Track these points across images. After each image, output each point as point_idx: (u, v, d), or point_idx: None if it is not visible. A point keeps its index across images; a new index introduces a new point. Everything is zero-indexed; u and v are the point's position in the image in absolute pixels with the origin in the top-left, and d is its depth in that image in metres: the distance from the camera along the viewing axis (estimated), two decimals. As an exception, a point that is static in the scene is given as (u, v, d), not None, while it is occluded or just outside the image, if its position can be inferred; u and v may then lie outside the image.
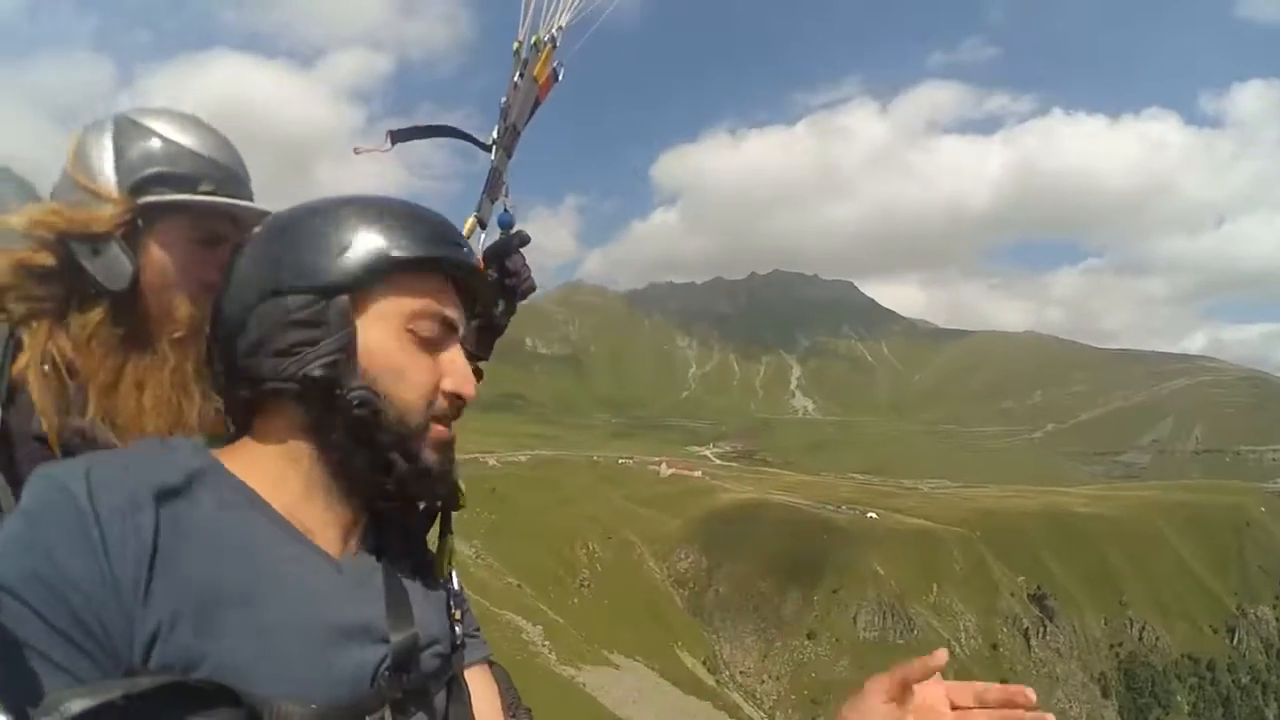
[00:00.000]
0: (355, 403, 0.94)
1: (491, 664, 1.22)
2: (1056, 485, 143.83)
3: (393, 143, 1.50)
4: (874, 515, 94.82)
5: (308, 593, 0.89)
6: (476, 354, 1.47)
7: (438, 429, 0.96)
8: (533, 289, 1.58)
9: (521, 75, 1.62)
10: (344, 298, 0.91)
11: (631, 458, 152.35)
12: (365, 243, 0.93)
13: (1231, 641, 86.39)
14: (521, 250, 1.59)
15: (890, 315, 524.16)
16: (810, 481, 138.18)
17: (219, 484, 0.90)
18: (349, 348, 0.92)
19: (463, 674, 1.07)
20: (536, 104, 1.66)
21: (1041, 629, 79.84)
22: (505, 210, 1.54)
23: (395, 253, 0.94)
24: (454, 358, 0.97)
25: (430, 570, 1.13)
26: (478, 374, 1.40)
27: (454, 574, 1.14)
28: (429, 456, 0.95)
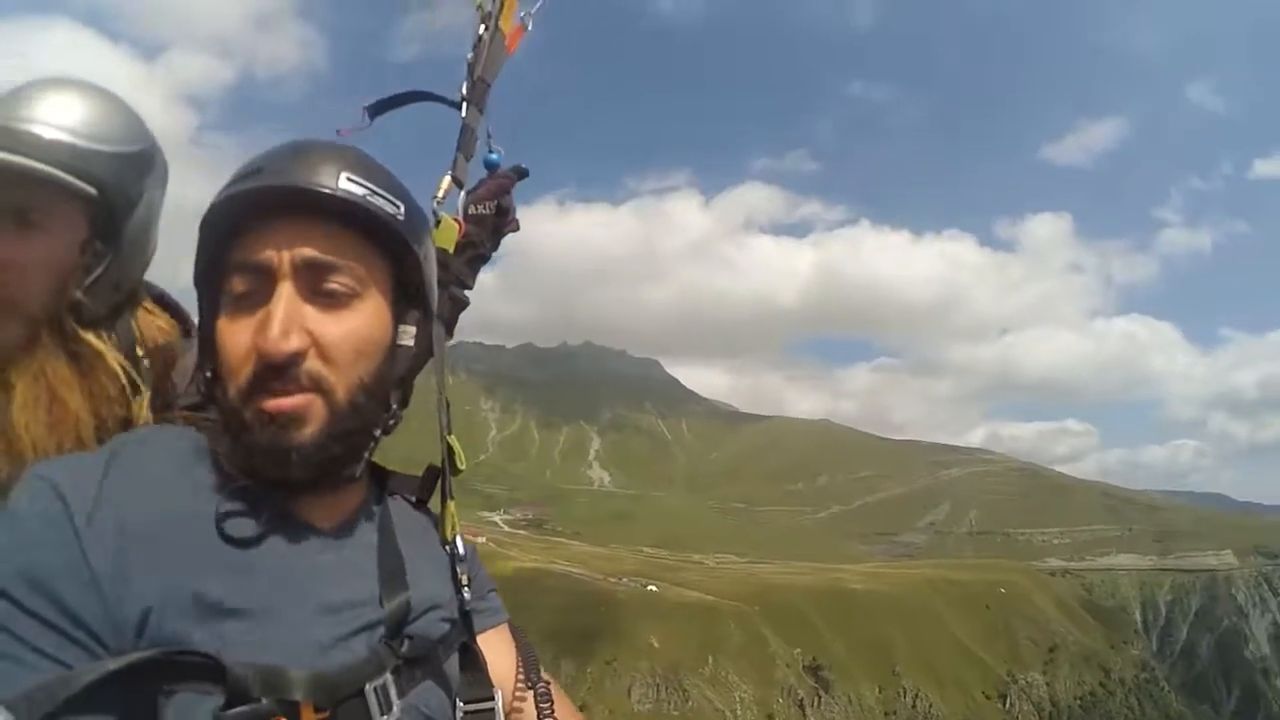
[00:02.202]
0: (196, 390, 0.94)
1: (514, 628, 1.19)
2: (837, 563, 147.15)
3: (371, 118, 1.48)
4: (654, 588, 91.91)
5: (295, 568, 0.88)
6: (463, 283, 1.48)
7: (260, 399, 0.86)
8: (518, 228, 1.62)
9: (486, 28, 1.59)
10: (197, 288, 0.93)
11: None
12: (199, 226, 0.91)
13: (1004, 706, 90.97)
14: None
15: (693, 396, 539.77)
16: (597, 553, 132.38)
17: (200, 468, 0.90)
18: (207, 339, 0.93)
19: (475, 639, 1.05)
20: (505, 56, 1.63)
21: (817, 699, 79.68)
22: (492, 151, 1.55)
23: (204, 216, 0.92)
24: (268, 310, 0.86)
25: (434, 537, 1.11)
26: (463, 303, 1.38)
27: (459, 539, 1.11)
28: (255, 432, 0.86)
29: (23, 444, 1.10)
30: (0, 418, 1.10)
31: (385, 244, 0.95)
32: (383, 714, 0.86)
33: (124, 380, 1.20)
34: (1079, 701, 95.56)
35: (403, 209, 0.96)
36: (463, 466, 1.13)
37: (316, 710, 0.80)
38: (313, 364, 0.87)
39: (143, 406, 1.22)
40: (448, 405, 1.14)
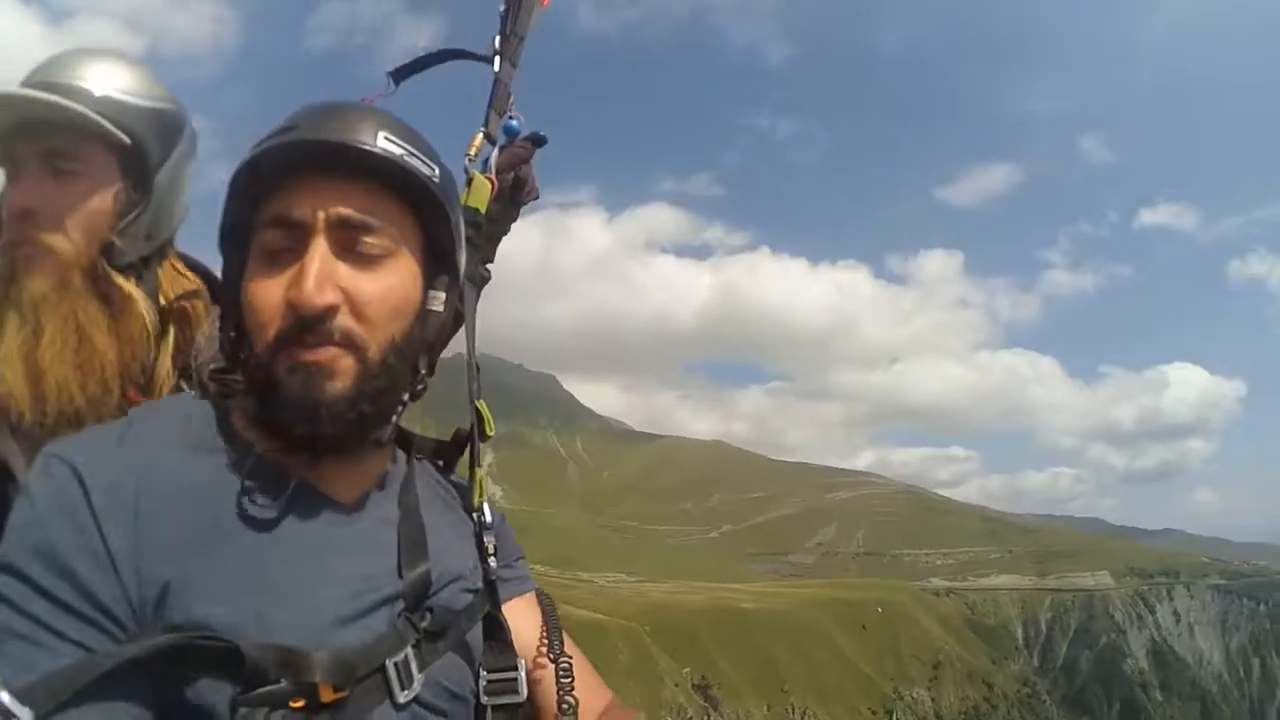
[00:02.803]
0: (221, 350, 0.94)
1: (541, 595, 1.18)
2: (727, 582, 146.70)
3: (396, 82, 1.46)
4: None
5: (315, 543, 0.86)
6: (484, 257, 1.44)
7: (291, 352, 0.85)
8: (537, 197, 1.55)
9: None
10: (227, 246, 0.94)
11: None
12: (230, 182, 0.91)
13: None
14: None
15: (588, 412, 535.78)
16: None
17: (218, 441, 0.89)
18: (232, 298, 0.92)
19: (500, 608, 1.03)
20: (540, 8, 1.57)
21: (706, 717, 77.12)
22: (512, 119, 1.47)
23: (235, 172, 0.91)
24: (302, 264, 0.85)
25: (460, 506, 1.10)
26: (485, 276, 1.33)
27: (486, 506, 1.10)
28: (285, 386, 0.85)
29: (48, 383, 1.11)
30: (29, 357, 1.12)
31: (419, 207, 0.94)
32: (403, 689, 0.85)
33: (150, 327, 1.22)
34: (963, 716, 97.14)
35: (437, 172, 0.95)
36: (491, 433, 1.12)
37: (335, 689, 0.78)
38: (345, 320, 0.86)
39: (165, 356, 1.23)
40: (478, 370, 1.15)
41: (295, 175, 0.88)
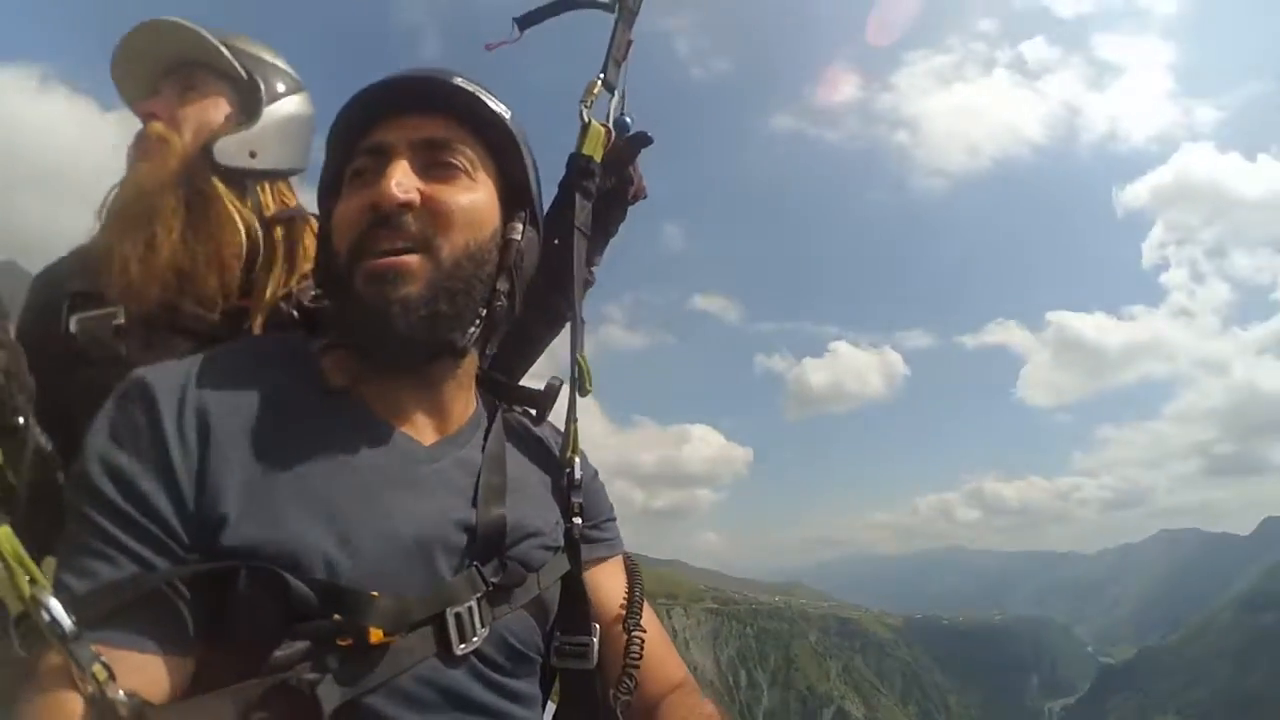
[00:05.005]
0: (313, 278, 1.02)
1: (629, 561, 1.14)
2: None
3: (521, 30, 1.47)
4: None
5: (385, 478, 0.86)
6: (590, 263, 1.39)
7: (367, 260, 0.88)
8: (645, 196, 1.50)
9: None
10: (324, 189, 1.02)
11: None
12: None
13: None
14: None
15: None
16: None
17: (299, 373, 0.90)
18: (326, 236, 0.98)
19: (581, 569, 1.00)
20: None
21: None
22: (625, 116, 1.45)
23: (330, 129, 1.00)
24: (381, 175, 0.90)
25: (550, 460, 1.08)
26: (589, 280, 1.30)
27: (578, 462, 1.07)
28: (360, 291, 0.88)
29: (148, 283, 1.21)
30: (136, 257, 1.21)
31: (495, 143, 0.99)
32: (461, 641, 0.83)
33: (245, 231, 1.32)
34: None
35: (510, 114, 1.00)
36: (590, 388, 1.11)
37: (386, 633, 0.77)
38: (420, 219, 0.89)
39: (269, 269, 1.33)
40: (582, 323, 1.16)
41: (381, 115, 0.94)
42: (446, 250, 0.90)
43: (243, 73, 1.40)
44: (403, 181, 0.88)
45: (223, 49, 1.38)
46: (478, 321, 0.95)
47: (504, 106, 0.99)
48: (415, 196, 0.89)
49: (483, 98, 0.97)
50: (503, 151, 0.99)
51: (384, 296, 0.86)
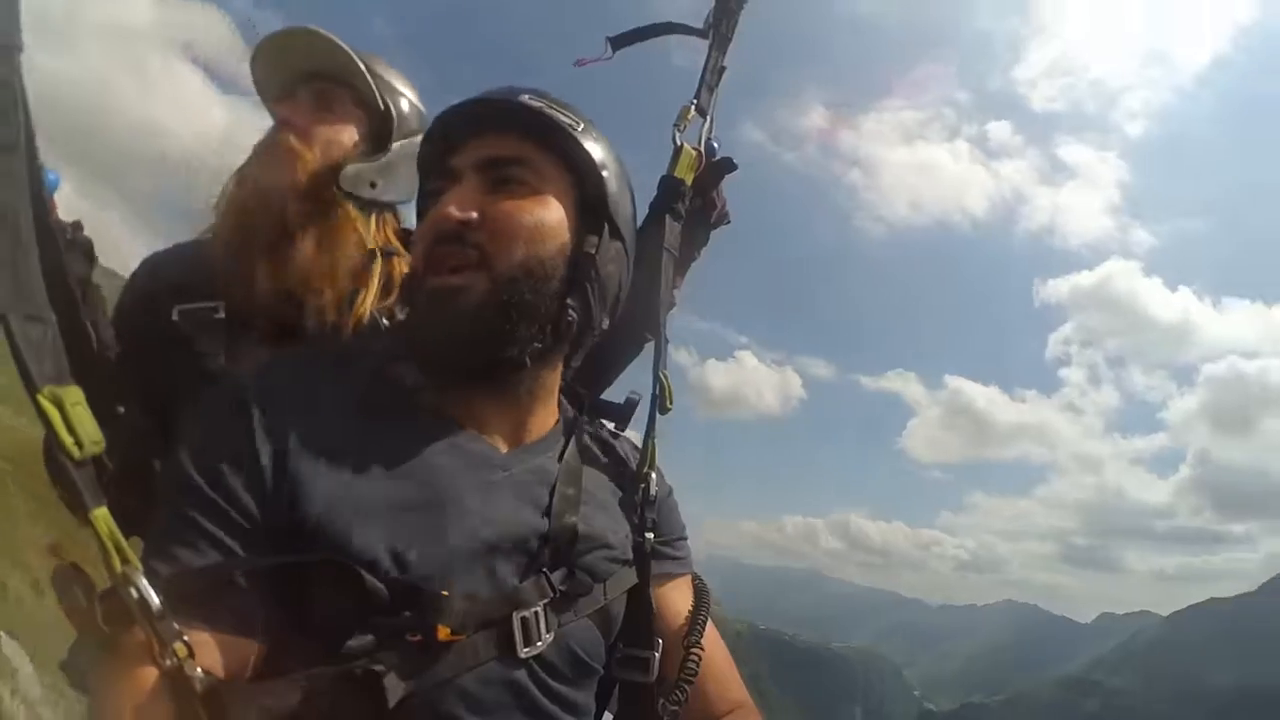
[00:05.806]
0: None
1: (697, 581, 1.15)
2: None
3: (614, 49, 1.49)
4: None
5: (460, 483, 0.89)
6: (674, 282, 1.38)
7: (429, 277, 0.93)
8: (729, 221, 1.52)
9: None
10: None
11: None
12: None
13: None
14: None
15: None
16: None
17: (384, 380, 0.94)
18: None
19: (649, 585, 1.02)
20: None
21: None
22: (714, 140, 1.45)
23: (418, 156, 1.06)
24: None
25: (624, 475, 1.09)
26: (671, 302, 1.26)
27: (653, 477, 1.09)
28: (422, 307, 0.93)
29: (271, 290, 1.25)
30: (264, 264, 1.26)
31: (569, 159, 0.99)
32: (526, 645, 0.85)
33: (360, 251, 1.36)
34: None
35: (582, 125, 1.00)
36: (670, 406, 1.12)
37: (454, 632, 0.80)
38: (480, 234, 0.92)
39: (368, 291, 1.33)
40: (666, 342, 1.18)
41: (458, 139, 0.98)
42: (504, 264, 0.91)
43: (380, 103, 1.43)
44: (462, 200, 0.92)
45: (367, 75, 1.41)
46: (542, 336, 0.96)
47: (576, 119, 0.99)
48: (473, 214, 0.92)
49: (549, 113, 0.97)
50: (578, 165, 0.99)
51: (441, 309, 0.90)
